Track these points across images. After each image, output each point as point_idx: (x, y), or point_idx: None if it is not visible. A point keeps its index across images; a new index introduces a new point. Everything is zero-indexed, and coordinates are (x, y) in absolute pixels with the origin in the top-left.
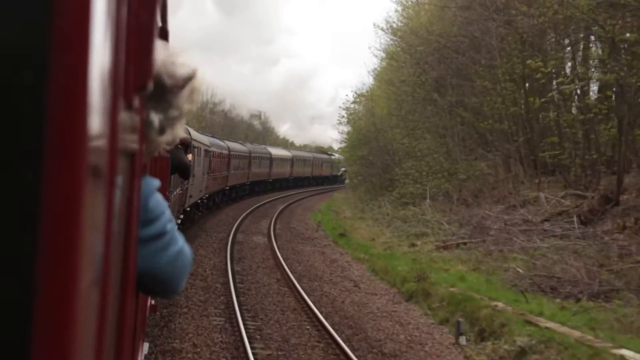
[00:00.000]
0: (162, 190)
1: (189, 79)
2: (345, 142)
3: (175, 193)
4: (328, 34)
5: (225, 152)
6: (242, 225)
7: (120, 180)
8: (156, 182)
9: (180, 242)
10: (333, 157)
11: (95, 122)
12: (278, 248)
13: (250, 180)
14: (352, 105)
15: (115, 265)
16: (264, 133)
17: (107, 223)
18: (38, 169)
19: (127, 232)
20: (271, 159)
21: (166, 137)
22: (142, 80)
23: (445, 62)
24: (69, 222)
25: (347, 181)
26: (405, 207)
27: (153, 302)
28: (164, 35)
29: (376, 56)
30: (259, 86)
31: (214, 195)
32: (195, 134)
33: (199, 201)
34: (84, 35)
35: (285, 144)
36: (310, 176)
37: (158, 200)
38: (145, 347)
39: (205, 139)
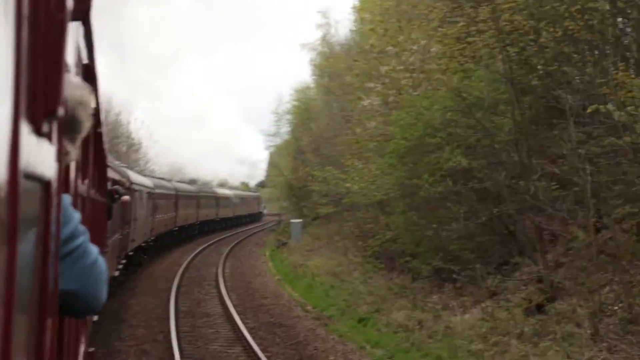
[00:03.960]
0: (99, 235)
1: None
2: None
3: (114, 238)
4: None
5: (172, 192)
6: None
7: (29, 207)
8: (67, 198)
9: (95, 253)
10: (257, 193)
11: None
12: None
13: (200, 220)
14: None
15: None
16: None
17: (10, 254)
18: None
19: (44, 265)
20: (217, 198)
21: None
22: (52, 105)
23: None
24: None
25: (265, 213)
26: None
27: (91, 349)
28: (91, 72)
29: None
30: None
31: (162, 236)
32: (136, 177)
33: (144, 244)
34: None
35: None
36: (247, 214)
37: (69, 214)
38: None
39: (148, 181)
